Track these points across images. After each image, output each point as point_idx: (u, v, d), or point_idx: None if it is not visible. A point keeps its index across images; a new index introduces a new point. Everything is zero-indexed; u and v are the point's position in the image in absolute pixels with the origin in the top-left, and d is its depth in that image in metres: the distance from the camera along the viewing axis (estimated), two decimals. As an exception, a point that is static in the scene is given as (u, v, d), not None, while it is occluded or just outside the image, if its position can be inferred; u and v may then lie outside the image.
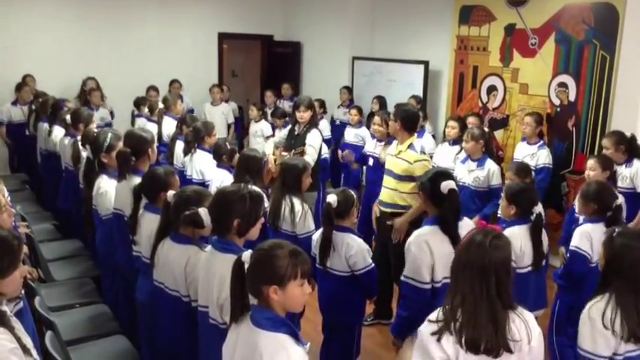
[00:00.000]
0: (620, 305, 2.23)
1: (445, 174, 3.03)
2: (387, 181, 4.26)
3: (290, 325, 1.92)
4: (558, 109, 5.89)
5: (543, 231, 3.25)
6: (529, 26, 6.07)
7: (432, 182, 2.95)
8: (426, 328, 1.97)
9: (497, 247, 1.94)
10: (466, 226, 2.90)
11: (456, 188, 2.91)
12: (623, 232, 2.40)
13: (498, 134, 6.46)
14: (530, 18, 6.05)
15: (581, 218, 3.61)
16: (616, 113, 5.39)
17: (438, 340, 1.91)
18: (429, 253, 2.81)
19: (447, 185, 2.88)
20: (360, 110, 7.02)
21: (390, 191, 4.20)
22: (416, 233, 2.95)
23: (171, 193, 2.81)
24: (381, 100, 7.16)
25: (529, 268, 3.17)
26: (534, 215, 3.17)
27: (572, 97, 5.75)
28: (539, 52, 6.00)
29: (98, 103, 7.29)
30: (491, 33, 6.47)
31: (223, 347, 2.04)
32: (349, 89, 8.06)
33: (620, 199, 3.48)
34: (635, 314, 2.21)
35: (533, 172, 4.54)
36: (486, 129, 5.50)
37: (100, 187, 3.79)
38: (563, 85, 5.82)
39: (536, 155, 5.32)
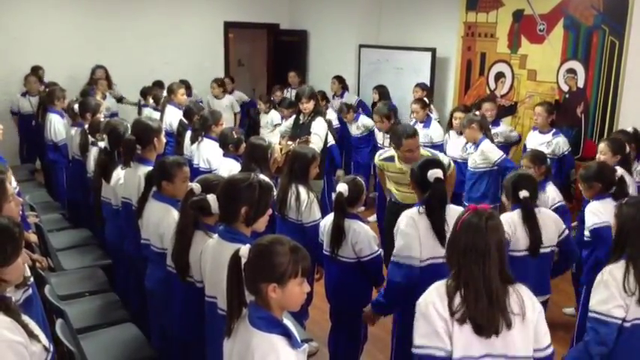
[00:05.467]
0: (635, 269, 2.37)
1: (434, 162, 3.11)
2: (400, 187, 4.11)
3: (284, 326, 1.87)
4: (567, 96, 5.84)
5: (544, 218, 3.25)
6: (537, 12, 6.01)
7: (420, 169, 3.05)
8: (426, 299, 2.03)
9: (492, 227, 2.00)
10: (454, 211, 2.89)
11: (442, 177, 2.97)
12: (630, 202, 2.56)
13: (506, 121, 6.42)
14: (539, 4, 5.99)
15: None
16: (625, 99, 5.35)
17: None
18: (416, 229, 2.90)
19: (433, 174, 2.95)
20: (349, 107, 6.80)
21: (408, 194, 3.94)
22: (404, 213, 3.02)
23: (196, 185, 2.73)
24: (381, 90, 7.03)
25: (524, 252, 3.17)
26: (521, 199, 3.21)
27: (580, 84, 5.70)
28: (547, 38, 5.95)
29: (104, 91, 7.28)
30: (499, 19, 6.42)
31: (224, 342, 2.00)
32: (340, 79, 7.89)
33: (620, 171, 3.57)
34: None
35: (548, 160, 4.45)
36: (489, 114, 5.50)
37: (120, 177, 3.79)
38: (571, 71, 5.78)
39: (553, 144, 5.21)
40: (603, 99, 5.52)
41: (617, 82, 5.38)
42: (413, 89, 6.83)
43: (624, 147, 4.19)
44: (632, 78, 5.28)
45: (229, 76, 9.01)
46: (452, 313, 1.95)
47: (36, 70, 7.35)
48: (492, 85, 6.59)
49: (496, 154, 4.74)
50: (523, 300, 1.99)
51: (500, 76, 6.51)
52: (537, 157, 4.17)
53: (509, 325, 1.94)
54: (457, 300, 1.96)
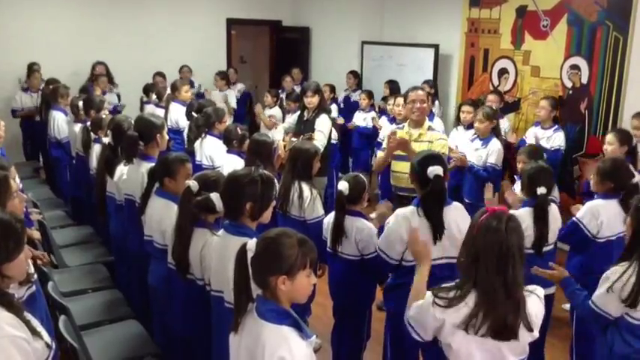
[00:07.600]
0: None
1: (435, 158, 2.96)
2: (402, 166, 4.03)
3: (294, 317, 1.87)
4: (570, 92, 5.82)
5: (553, 213, 3.24)
6: (541, 8, 5.99)
7: (420, 165, 2.91)
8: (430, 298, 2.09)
9: (512, 230, 1.98)
10: (454, 209, 2.90)
11: (442, 174, 2.85)
12: None
13: (510, 118, 6.40)
14: (542, -1, 5.97)
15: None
16: (629, 95, 5.33)
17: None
18: (405, 230, 2.81)
19: (433, 170, 2.83)
20: (369, 94, 6.98)
21: (401, 175, 4.01)
22: (398, 210, 2.95)
23: (193, 183, 2.74)
24: (392, 85, 7.09)
25: (529, 251, 3.11)
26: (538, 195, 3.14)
27: (584, 80, 5.68)
28: (551, 34, 5.92)
29: (104, 88, 7.26)
30: (503, 15, 6.39)
31: (230, 337, 2.00)
32: (355, 73, 7.95)
33: (637, 177, 3.44)
34: None
35: (545, 155, 4.45)
36: (494, 106, 5.46)
37: (123, 172, 3.80)
38: (575, 67, 5.75)
39: (552, 138, 5.16)
40: (607, 95, 5.49)
41: (620, 78, 5.36)
42: (421, 84, 6.76)
43: (631, 138, 4.18)
44: (635, 74, 5.25)
45: (232, 67, 9.02)
46: (459, 320, 1.99)
47: (34, 67, 7.30)
48: (496, 81, 6.57)
49: (494, 159, 4.74)
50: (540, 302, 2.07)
51: (503, 72, 6.49)
52: (533, 152, 4.02)
53: (530, 330, 1.99)
54: (467, 307, 1.99)
